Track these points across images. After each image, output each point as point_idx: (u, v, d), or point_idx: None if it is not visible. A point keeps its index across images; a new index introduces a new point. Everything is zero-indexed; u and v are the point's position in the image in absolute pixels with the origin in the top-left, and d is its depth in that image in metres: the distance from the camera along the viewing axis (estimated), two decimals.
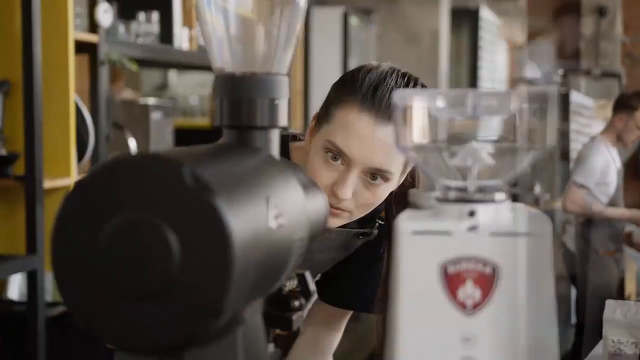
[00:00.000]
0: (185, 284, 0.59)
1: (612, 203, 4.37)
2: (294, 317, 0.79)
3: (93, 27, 2.67)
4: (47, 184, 2.42)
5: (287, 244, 0.72)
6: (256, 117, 0.79)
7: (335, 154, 1.21)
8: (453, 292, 0.65)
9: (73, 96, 2.52)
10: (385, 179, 1.22)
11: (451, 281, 0.65)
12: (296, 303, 0.80)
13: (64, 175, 2.51)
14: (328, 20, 4.93)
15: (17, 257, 2.37)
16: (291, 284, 0.82)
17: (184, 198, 0.60)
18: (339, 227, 1.30)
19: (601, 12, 9.31)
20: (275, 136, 0.81)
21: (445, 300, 0.65)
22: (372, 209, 1.27)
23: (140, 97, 3.53)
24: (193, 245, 0.60)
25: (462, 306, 0.65)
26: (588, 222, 4.34)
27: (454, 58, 7.27)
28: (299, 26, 0.83)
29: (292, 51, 0.83)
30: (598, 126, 8.50)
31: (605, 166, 4.30)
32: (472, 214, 0.68)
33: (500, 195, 0.69)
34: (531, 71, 5.17)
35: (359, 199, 1.23)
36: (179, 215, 0.60)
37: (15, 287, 2.62)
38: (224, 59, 0.81)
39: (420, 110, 0.70)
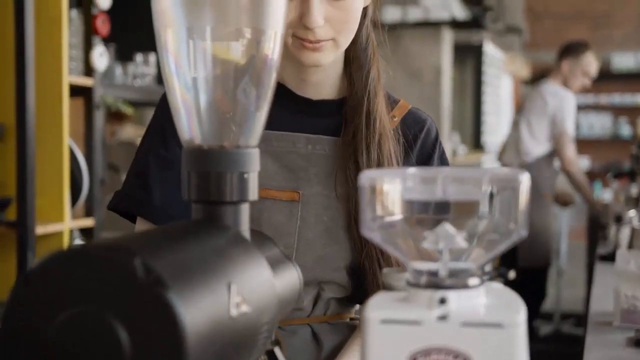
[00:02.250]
0: None
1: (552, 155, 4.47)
2: None
3: (89, 70, 2.66)
4: (40, 229, 2.40)
5: (252, 330, 0.69)
6: (225, 192, 0.77)
7: None
8: None
9: (67, 140, 2.50)
10: None
11: None
12: None
13: (57, 220, 2.49)
14: None
15: None
16: None
17: (135, 292, 0.57)
18: None
19: None
20: (245, 211, 0.79)
21: None
22: (353, 27, 1.18)
23: (143, 131, 3.51)
24: (145, 341, 0.57)
25: None
26: (533, 164, 4.38)
27: (458, 93, 7.26)
28: (269, 96, 0.81)
29: (263, 122, 0.81)
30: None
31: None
32: (442, 301, 0.65)
33: (473, 280, 0.66)
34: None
35: (333, 21, 1.15)
36: (129, 310, 0.57)
37: None
38: (192, 130, 0.79)
39: (388, 191, 0.67)
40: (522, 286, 4.36)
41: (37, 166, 2.39)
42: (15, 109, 2.35)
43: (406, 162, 1.26)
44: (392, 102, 1.31)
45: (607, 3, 10.14)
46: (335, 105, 1.28)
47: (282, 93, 1.27)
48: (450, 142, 6.19)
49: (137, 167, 1.25)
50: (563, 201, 4.92)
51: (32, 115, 2.35)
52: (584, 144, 10.30)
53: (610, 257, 2.85)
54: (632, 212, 3.00)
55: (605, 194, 8.24)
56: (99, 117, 2.68)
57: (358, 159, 1.20)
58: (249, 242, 0.75)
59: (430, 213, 0.68)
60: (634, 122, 10.16)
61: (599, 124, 10.28)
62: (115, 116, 3.28)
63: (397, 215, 0.68)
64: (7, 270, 2.42)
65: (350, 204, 1.21)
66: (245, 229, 0.78)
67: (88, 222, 2.70)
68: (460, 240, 0.66)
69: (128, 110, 2.79)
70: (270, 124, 1.24)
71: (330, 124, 1.26)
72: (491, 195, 0.66)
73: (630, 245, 2.76)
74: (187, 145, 0.78)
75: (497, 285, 0.73)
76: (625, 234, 2.89)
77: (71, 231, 2.62)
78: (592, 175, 10.23)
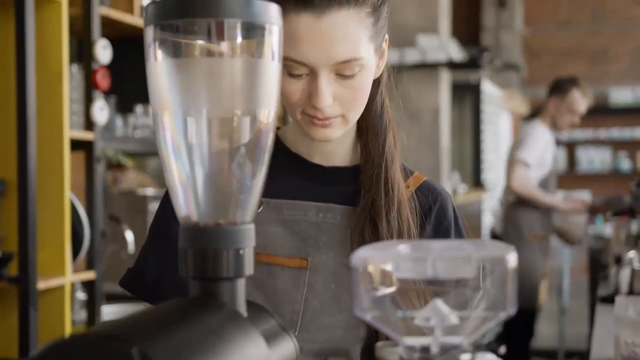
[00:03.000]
0: None
1: (543, 186, 4.44)
2: None
3: (89, 124, 2.69)
4: (42, 284, 2.41)
5: None
6: (222, 269, 0.78)
7: (296, 66, 1.12)
8: None
9: (68, 195, 2.52)
10: (359, 67, 1.14)
11: None
12: None
13: (58, 274, 2.50)
14: None
15: None
16: None
17: None
18: None
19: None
20: (241, 286, 0.80)
21: None
22: (362, 103, 1.17)
23: (146, 179, 3.53)
24: None
25: None
26: (517, 203, 4.38)
27: (457, 131, 7.30)
28: (264, 173, 0.82)
29: (257, 198, 0.82)
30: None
31: (545, 148, 4.41)
32: None
33: (465, 356, 0.68)
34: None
35: (342, 99, 1.15)
36: None
37: None
38: (189, 208, 0.81)
39: (380, 270, 0.69)
40: (510, 327, 4.36)
41: (38, 221, 2.41)
42: (16, 165, 2.38)
43: (422, 232, 1.25)
44: (406, 173, 1.30)
45: (604, 38, 10.23)
46: (347, 172, 1.27)
47: (295, 161, 1.28)
48: (450, 182, 6.21)
49: (145, 245, 1.30)
50: (565, 239, 4.92)
51: (34, 171, 2.38)
52: (584, 179, 10.33)
53: (610, 299, 2.85)
54: (631, 253, 2.99)
55: (606, 229, 8.24)
56: (100, 170, 2.70)
57: (378, 227, 1.18)
58: (244, 319, 0.76)
59: (422, 290, 0.69)
60: (633, 156, 10.20)
61: (599, 159, 10.32)
62: (117, 164, 3.31)
63: (389, 294, 0.69)
64: (8, 326, 2.43)
65: None
66: (241, 304, 0.80)
67: (89, 275, 2.72)
68: (452, 317, 0.68)
69: (128, 162, 2.82)
70: (283, 192, 1.26)
71: (342, 192, 1.26)
72: (480, 273, 0.67)
73: (631, 288, 2.76)
74: (184, 222, 0.80)
75: (490, 357, 0.75)
76: (625, 275, 2.89)
77: (72, 285, 2.63)
78: (593, 210, 10.25)
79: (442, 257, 0.68)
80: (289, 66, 1.13)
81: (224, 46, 0.79)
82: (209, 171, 0.80)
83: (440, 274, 0.68)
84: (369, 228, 1.19)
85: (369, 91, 1.19)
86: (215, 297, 0.78)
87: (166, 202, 1.28)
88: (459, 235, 1.28)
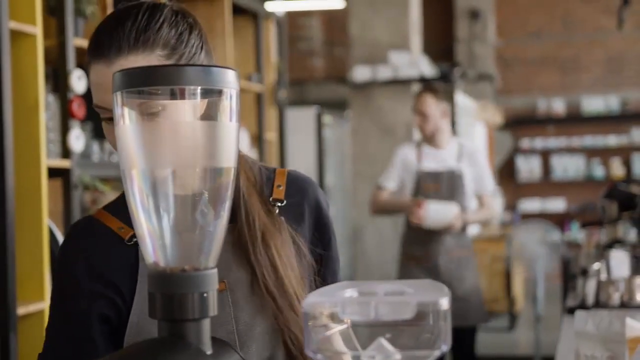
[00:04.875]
0: None
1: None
2: None
3: (66, 152, 2.76)
4: (21, 310, 2.47)
5: None
6: (187, 311, 0.86)
7: (102, 111, 1.20)
8: None
9: (46, 221, 2.58)
10: (161, 107, 1.12)
11: None
12: None
13: (37, 299, 2.56)
14: (303, 119, 5.06)
15: None
16: None
17: None
18: None
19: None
20: (206, 326, 0.87)
21: None
22: None
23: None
24: None
25: None
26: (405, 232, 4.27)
27: None
28: (225, 219, 0.90)
29: (220, 244, 0.90)
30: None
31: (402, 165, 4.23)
32: None
33: None
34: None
35: None
36: None
37: None
38: (156, 255, 0.88)
39: (328, 314, 0.76)
40: (453, 345, 4.35)
41: (17, 248, 2.47)
42: None
43: (301, 226, 1.31)
44: (269, 173, 1.34)
45: (575, 48, 10.40)
46: None
47: None
48: None
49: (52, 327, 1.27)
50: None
51: (12, 199, 2.44)
52: (559, 187, 10.48)
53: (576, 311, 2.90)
54: (596, 265, 3.06)
55: (580, 235, 8.37)
56: (77, 197, 2.76)
57: (251, 260, 1.24)
58: (208, 357, 0.84)
59: (366, 330, 0.77)
60: (606, 163, 10.37)
61: (573, 166, 10.47)
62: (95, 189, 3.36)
63: (336, 335, 0.77)
64: None
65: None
66: (206, 342, 0.87)
67: None
68: (396, 355, 0.76)
69: (105, 189, 2.88)
70: None
71: None
72: (419, 314, 0.75)
73: (597, 299, 2.84)
74: (152, 268, 0.88)
75: None
76: (591, 286, 2.95)
77: None
78: (567, 216, 10.42)
79: (385, 301, 0.76)
80: (99, 112, 1.21)
81: (186, 109, 0.86)
82: (174, 222, 0.87)
83: (382, 316, 0.76)
84: (246, 259, 1.24)
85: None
86: (182, 337, 0.85)
87: (67, 275, 1.26)
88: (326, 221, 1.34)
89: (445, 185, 4.16)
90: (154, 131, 0.87)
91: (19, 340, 2.44)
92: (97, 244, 1.29)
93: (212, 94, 0.86)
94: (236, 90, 0.88)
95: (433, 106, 4.08)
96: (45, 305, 2.58)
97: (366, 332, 0.77)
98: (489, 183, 4.29)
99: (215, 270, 0.88)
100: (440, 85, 4.31)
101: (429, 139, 4.19)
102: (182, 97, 0.85)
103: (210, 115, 0.87)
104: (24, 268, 2.54)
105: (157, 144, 0.86)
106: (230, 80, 0.87)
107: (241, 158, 1.30)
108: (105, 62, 1.18)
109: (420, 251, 4.15)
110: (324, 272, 1.35)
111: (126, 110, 0.87)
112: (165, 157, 0.86)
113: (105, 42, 1.18)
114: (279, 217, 1.28)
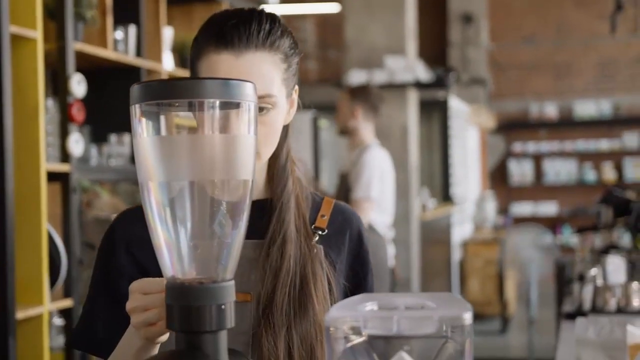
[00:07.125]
0: None
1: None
2: None
3: (65, 156, 2.75)
4: (20, 314, 2.46)
5: None
6: (205, 323, 0.86)
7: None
8: None
9: (45, 226, 2.58)
10: (272, 105, 1.20)
11: None
12: None
13: (36, 304, 2.55)
14: (298, 124, 5.05)
15: None
16: None
17: None
18: None
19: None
20: (223, 337, 0.88)
21: None
22: (274, 141, 1.23)
23: (119, 202, 3.58)
24: None
25: None
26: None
27: (426, 147, 7.41)
28: (242, 231, 0.90)
29: (237, 256, 0.90)
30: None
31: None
32: None
33: None
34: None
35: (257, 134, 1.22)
36: None
37: None
38: (174, 268, 0.88)
39: (350, 328, 0.77)
40: None
41: (16, 252, 2.46)
42: None
43: (339, 259, 1.32)
44: (317, 200, 1.35)
45: (568, 53, 10.42)
46: (258, 206, 1.29)
47: None
48: (420, 198, 6.31)
49: (90, 302, 1.30)
50: None
51: (12, 203, 2.43)
52: (551, 190, 10.50)
53: (575, 316, 2.91)
54: (594, 271, 3.07)
55: (573, 239, 8.39)
56: (76, 200, 2.76)
57: (264, 261, 1.24)
58: None
59: (389, 345, 0.77)
60: (598, 167, 10.40)
61: (565, 170, 10.50)
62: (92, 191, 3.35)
63: (359, 348, 0.77)
64: None
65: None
66: (223, 353, 0.87)
67: (67, 303, 2.77)
68: None
69: (103, 192, 2.87)
70: None
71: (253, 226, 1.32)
72: (442, 330, 0.76)
73: (594, 304, 2.85)
74: (170, 281, 0.88)
75: None
76: (588, 292, 2.96)
77: (50, 313, 2.69)
78: (559, 220, 10.45)
79: (406, 315, 0.76)
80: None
81: (204, 122, 0.86)
82: (192, 234, 0.87)
83: (404, 330, 0.76)
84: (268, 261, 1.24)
85: (279, 131, 1.25)
86: (199, 349, 0.86)
87: (108, 257, 1.29)
88: (365, 260, 1.36)
89: (341, 187, 4.19)
90: (172, 143, 0.87)
91: (18, 345, 2.44)
92: (143, 232, 1.29)
93: (231, 106, 0.86)
94: (254, 102, 0.88)
95: (344, 102, 4.11)
96: (43, 309, 2.57)
97: (386, 344, 0.78)
98: (360, 189, 4.07)
99: (232, 282, 0.88)
100: (372, 89, 4.17)
101: (350, 140, 4.20)
102: (201, 109, 0.85)
103: (228, 127, 0.87)
104: (23, 272, 2.53)
105: (175, 156, 0.86)
106: (248, 93, 0.87)
107: (296, 181, 1.31)
108: (233, 52, 1.18)
109: None
110: None
111: (144, 122, 0.87)
112: (183, 170, 0.86)
113: (234, 34, 1.18)
114: (316, 245, 1.29)
